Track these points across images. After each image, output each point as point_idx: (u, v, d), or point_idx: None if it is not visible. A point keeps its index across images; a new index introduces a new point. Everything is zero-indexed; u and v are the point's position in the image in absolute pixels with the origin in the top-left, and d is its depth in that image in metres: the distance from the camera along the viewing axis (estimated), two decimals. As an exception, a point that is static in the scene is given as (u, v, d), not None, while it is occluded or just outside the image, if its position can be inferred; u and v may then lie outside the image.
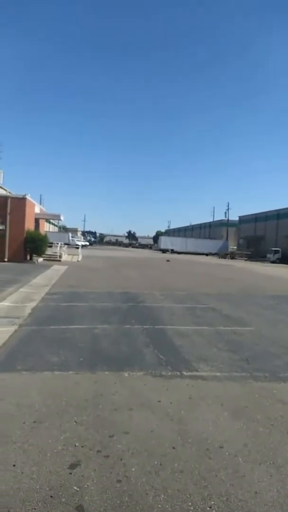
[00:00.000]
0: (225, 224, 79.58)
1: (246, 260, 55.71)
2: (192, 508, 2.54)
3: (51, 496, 2.59)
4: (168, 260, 38.14)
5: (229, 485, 2.81)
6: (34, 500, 2.55)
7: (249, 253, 61.25)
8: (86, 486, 2.72)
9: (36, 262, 24.87)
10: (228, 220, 78.98)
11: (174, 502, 2.60)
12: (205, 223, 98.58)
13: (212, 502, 2.61)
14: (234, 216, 79.80)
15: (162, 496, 2.66)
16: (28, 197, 24.71)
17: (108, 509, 2.50)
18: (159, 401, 4.24)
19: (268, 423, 3.84)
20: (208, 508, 2.55)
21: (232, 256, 60.26)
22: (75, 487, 2.70)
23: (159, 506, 2.55)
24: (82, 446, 3.24)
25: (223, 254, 61.73)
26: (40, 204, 43.34)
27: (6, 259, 23.49)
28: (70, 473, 2.86)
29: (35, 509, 2.47)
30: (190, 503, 2.59)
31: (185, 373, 5.21)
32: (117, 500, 2.59)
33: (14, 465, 2.92)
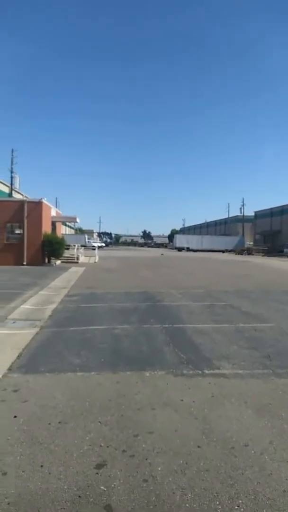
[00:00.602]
0: (241, 220, 78.76)
1: (263, 255, 54.99)
2: (220, 507, 2.54)
3: (79, 496, 2.62)
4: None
5: (256, 483, 2.79)
6: (63, 500, 2.59)
7: (266, 248, 60.47)
8: (113, 486, 2.75)
9: (54, 265, 25.17)
10: (243, 216, 78.15)
11: (201, 501, 2.60)
12: (220, 220, 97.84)
13: (240, 501, 2.60)
14: (249, 212, 79.03)
15: (189, 495, 2.66)
16: (44, 200, 25.02)
17: (136, 509, 2.51)
18: (182, 400, 4.24)
19: (294, 420, 3.79)
20: (236, 507, 2.54)
21: (249, 252, 59.60)
22: (102, 487, 2.73)
23: (187, 505, 2.56)
24: (108, 446, 3.27)
25: (239, 250, 61.11)
26: (56, 207, 43.89)
27: (25, 263, 23.86)
28: (97, 473, 2.89)
29: (64, 508, 2.51)
30: (217, 502, 2.59)
31: (206, 372, 5.19)
32: (145, 500, 2.60)
33: (41, 466, 2.97)
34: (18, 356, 5.75)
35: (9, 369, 5.16)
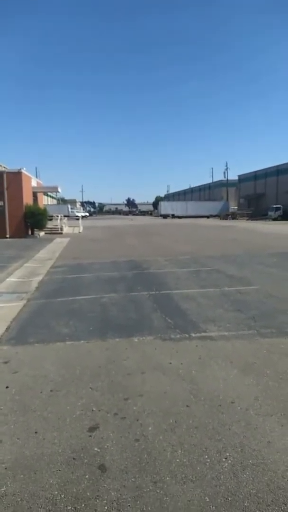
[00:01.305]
0: (225, 184, 78.50)
1: (247, 219, 55.41)
2: (208, 461, 2.67)
3: (73, 458, 2.72)
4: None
5: (243, 437, 2.94)
6: (58, 462, 2.68)
7: (250, 212, 60.85)
8: (106, 447, 2.85)
9: (38, 237, 24.87)
10: (227, 180, 77.82)
11: (191, 456, 2.73)
12: (204, 185, 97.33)
13: (227, 454, 2.74)
14: (233, 176, 78.60)
15: (179, 451, 2.79)
16: (23, 171, 24.33)
17: (129, 467, 2.63)
18: (170, 363, 4.36)
19: (277, 377, 3.95)
20: (223, 460, 2.68)
21: (233, 216, 59.91)
22: (96, 449, 2.83)
23: (177, 460, 2.68)
24: (99, 410, 3.37)
25: (224, 215, 61.34)
26: (37, 177, 42.75)
27: (8, 236, 23.50)
28: (90, 436, 2.99)
29: (59, 470, 2.60)
30: (206, 456, 2.72)
31: (193, 335, 5.32)
32: (137, 458, 2.72)
33: (36, 432, 3.05)
34: (6, 328, 5.77)
35: (-2, 342, 5.18)
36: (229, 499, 2.32)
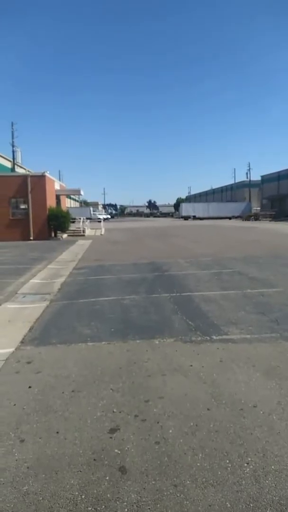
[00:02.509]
0: (247, 185, 77.47)
1: (270, 220, 54.44)
2: (230, 465, 2.63)
3: (94, 459, 2.74)
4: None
5: (265, 442, 2.88)
6: (79, 463, 2.70)
7: (273, 213, 59.71)
8: (126, 449, 2.86)
9: (61, 239, 25.25)
10: (250, 180, 76.79)
11: (212, 460, 2.70)
12: (226, 186, 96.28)
13: (249, 459, 2.70)
14: (256, 177, 77.43)
15: (200, 455, 2.76)
16: (47, 174, 24.78)
17: (149, 469, 2.62)
18: (191, 366, 4.33)
19: (301, 381, 3.86)
20: (245, 464, 2.64)
21: (256, 217, 58.97)
22: (116, 450, 2.84)
23: (198, 464, 2.66)
24: (120, 412, 3.38)
25: (246, 216, 60.47)
26: (60, 180, 43.45)
27: (31, 238, 23.97)
28: (111, 437, 3.00)
29: (80, 471, 2.62)
30: (227, 461, 2.68)
31: (214, 337, 5.26)
32: (157, 461, 2.71)
33: (57, 432, 3.09)
34: (29, 329, 5.88)
35: (22, 342, 5.29)
36: (251, 505, 2.28)
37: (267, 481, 2.47)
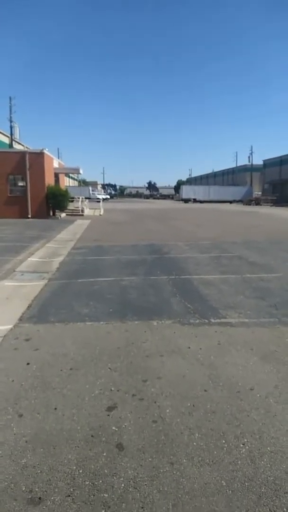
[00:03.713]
0: (249, 169, 76.61)
1: (271, 205, 54.16)
2: (226, 445, 2.67)
3: (92, 436, 2.77)
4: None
5: (261, 424, 2.91)
6: (77, 439, 2.73)
7: (275, 198, 59.34)
8: (124, 426, 2.89)
9: (59, 218, 25.09)
10: (252, 164, 75.90)
11: (208, 440, 2.73)
12: (228, 169, 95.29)
13: (245, 440, 2.73)
14: (258, 161, 76.52)
15: (197, 434, 2.79)
16: (46, 151, 24.41)
17: (146, 447, 2.65)
18: (189, 348, 4.35)
19: (298, 366, 3.89)
20: (241, 445, 2.67)
21: (257, 202, 58.66)
22: (113, 428, 2.87)
23: (194, 444, 2.69)
24: (118, 390, 3.40)
25: (247, 200, 60.15)
26: (58, 158, 42.83)
27: (29, 216, 23.80)
28: (108, 415, 3.03)
29: (78, 447, 2.65)
30: (223, 441, 2.72)
31: (213, 320, 5.28)
32: (154, 439, 2.74)
33: (55, 409, 3.11)
34: (28, 307, 5.88)
35: (20, 319, 5.29)
36: (246, 484, 2.32)
37: (262, 462, 2.50)
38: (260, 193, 70.78)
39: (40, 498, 2.20)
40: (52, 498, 2.19)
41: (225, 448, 2.64)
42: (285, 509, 2.13)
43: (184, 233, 16.44)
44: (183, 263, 9.49)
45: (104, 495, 2.23)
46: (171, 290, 6.90)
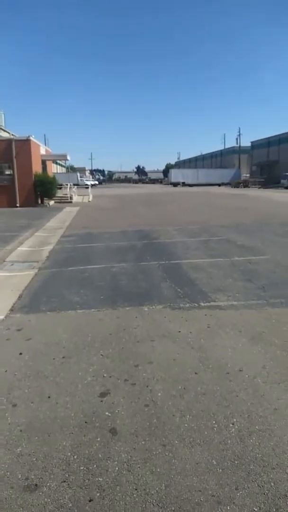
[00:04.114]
0: (237, 151, 76.38)
1: (259, 187, 54.28)
2: (216, 426, 2.75)
3: (85, 422, 2.83)
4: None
5: (250, 404, 3.00)
6: (71, 426, 2.79)
7: (263, 180, 59.43)
8: (117, 411, 2.95)
9: (48, 206, 24.83)
10: (240, 146, 75.65)
11: (199, 421, 2.81)
12: (216, 152, 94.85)
13: (235, 420, 2.82)
14: (246, 143, 76.25)
15: (188, 416, 2.87)
16: (32, 138, 23.97)
17: (139, 430, 2.72)
18: (179, 332, 4.42)
19: (286, 346, 3.98)
20: (231, 425, 2.76)
21: (245, 184, 58.69)
22: (107, 413, 2.93)
23: (186, 425, 2.77)
24: (110, 377, 3.46)
25: (235, 183, 60.10)
26: (45, 145, 42.09)
27: (18, 205, 23.51)
28: (101, 401, 3.09)
29: (72, 433, 2.71)
30: (214, 421, 2.80)
31: (202, 304, 5.35)
32: (147, 422, 2.81)
33: (49, 397, 3.16)
34: (19, 297, 5.88)
35: (11, 310, 5.30)
36: (236, 462, 2.40)
37: (251, 440, 2.59)
38: (248, 175, 70.77)
39: (36, 484, 2.25)
40: (48, 484, 2.25)
41: (215, 429, 2.73)
42: (272, 484, 2.22)
43: (173, 218, 16.44)
44: (172, 248, 9.53)
45: (99, 479, 2.29)
46: (161, 275, 6.95)
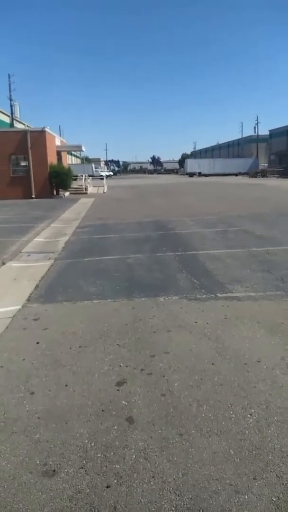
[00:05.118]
0: (255, 140, 74.96)
1: (278, 177, 53.25)
2: (234, 416, 2.73)
3: (102, 410, 2.84)
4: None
5: (268, 395, 2.96)
6: (88, 413, 2.81)
7: (282, 169, 58.23)
8: (133, 400, 2.95)
9: (63, 197, 24.96)
10: (257, 135, 74.21)
11: (216, 411, 2.79)
12: (233, 141, 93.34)
13: (252, 410, 2.78)
14: (265, 131, 74.67)
15: (205, 406, 2.85)
16: (47, 129, 24.05)
17: (155, 419, 2.72)
18: (196, 322, 4.38)
19: (305, 337, 3.91)
20: (248, 416, 2.73)
21: (263, 174, 57.68)
22: (123, 402, 2.94)
23: (203, 415, 2.75)
24: (127, 366, 3.46)
25: (253, 172, 59.12)
26: (60, 136, 42.18)
27: (33, 196, 23.71)
28: (118, 390, 3.10)
29: (89, 421, 2.73)
30: (231, 412, 2.78)
31: (219, 295, 5.30)
32: (163, 411, 2.81)
33: (66, 385, 3.19)
34: (35, 287, 5.94)
35: (28, 300, 5.36)
36: (254, 452, 2.38)
37: (269, 431, 2.56)
38: (266, 164, 69.45)
39: (54, 470, 2.28)
40: (66, 470, 2.28)
41: (232, 419, 2.70)
42: (291, 475, 2.19)
43: (189, 208, 16.30)
44: (188, 238, 9.46)
45: (116, 466, 2.30)
46: (177, 266, 6.91)
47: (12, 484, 2.19)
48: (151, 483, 2.18)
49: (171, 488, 2.13)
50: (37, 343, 3.98)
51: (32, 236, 10.33)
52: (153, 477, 2.22)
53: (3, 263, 7.48)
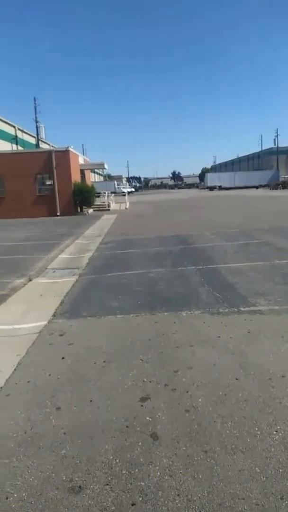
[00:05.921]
0: (275, 152, 74.50)
1: (300, 188, 52.45)
2: (259, 433, 2.69)
3: (127, 426, 2.86)
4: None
5: (294, 411, 2.90)
6: (112, 429, 2.83)
7: (303, 180, 57.46)
8: (157, 416, 2.96)
9: (87, 214, 25.43)
10: (277, 147, 73.74)
11: (241, 428, 2.76)
12: (253, 154, 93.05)
13: (278, 427, 2.74)
14: (284, 143, 74.19)
15: (230, 423, 2.82)
16: (71, 148, 24.74)
17: (180, 436, 2.72)
18: (219, 337, 4.36)
19: None
20: (274, 432, 2.68)
21: (284, 185, 56.99)
22: (147, 418, 2.95)
23: (227, 432, 2.73)
24: (150, 381, 3.48)
25: (274, 185, 58.53)
26: (83, 154, 43.26)
27: (58, 213, 24.29)
28: (142, 406, 3.11)
29: (114, 437, 2.75)
30: (256, 428, 2.74)
31: (242, 309, 5.25)
32: (187, 428, 2.80)
33: (91, 401, 3.23)
34: (60, 303, 6.06)
35: (54, 315, 5.47)
36: (280, 471, 2.33)
37: (296, 449, 2.51)
38: (287, 176, 68.66)
39: (80, 486, 2.31)
40: (92, 486, 2.30)
41: (258, 436, 2.66)
42: None
43: (209, 222, 16.27)
44: (210, 252, 9.44)
45: (141, 483, 2.31)
46: (199, 280, 6.90)
47: (39, 500, 2.23)
48: (176, 501, 2.17)
49: (196, 507, 2.12)
50: (63, 358, 4.05)
51: (57, 253, 10.57)
52: (178, 495, 2.21)
53: (30, 280, 7.68)
